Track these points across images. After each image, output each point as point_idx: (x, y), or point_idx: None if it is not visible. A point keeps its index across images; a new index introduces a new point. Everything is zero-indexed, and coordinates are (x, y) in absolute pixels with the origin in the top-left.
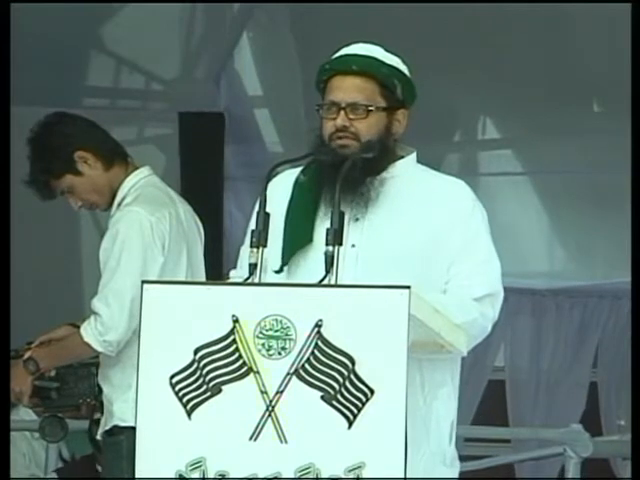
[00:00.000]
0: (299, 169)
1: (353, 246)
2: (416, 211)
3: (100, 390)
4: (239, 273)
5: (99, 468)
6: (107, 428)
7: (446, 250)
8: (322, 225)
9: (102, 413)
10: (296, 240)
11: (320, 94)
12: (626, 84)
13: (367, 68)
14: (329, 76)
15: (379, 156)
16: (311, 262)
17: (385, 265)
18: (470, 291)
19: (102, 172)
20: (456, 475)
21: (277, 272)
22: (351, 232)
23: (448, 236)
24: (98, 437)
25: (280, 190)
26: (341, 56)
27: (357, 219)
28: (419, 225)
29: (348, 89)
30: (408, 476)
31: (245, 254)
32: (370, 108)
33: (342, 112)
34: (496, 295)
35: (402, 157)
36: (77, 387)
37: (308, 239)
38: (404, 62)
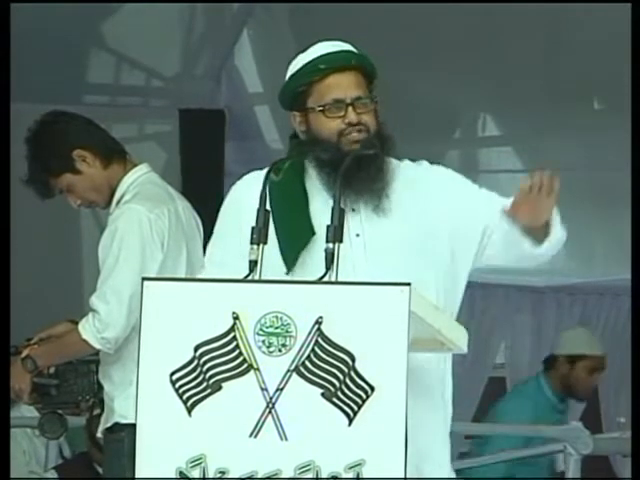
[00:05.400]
0: (262, 172)
1: (357, 235)
2: (408, 194)
3: (100, 387)
4: (210, 271)
5: (95, 465)
6: (108, 425)
7: (450, 219)
8: (317, 219)
9: (102, 410)
10: (298, 238)
11: (299, 97)
12: (626, 82)
13: (363, 63)
14: (322, 76)
15: (383, 148)
16: (315, 259)
17: (392, 250)
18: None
19: (101, 170)
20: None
21: (287, 273)
22: (350, 222)
23: (447, 205)
24: (99, 434)
25: (254, 194)
26: (337, 52)
27: (353, 209)
28: (414, 208)
29: (350, 85)
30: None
31: (213, 251)
32: (376, 100)
33: (349, 108)
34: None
35: None
36: (77, 384)
37: (310, 234)
38: None
